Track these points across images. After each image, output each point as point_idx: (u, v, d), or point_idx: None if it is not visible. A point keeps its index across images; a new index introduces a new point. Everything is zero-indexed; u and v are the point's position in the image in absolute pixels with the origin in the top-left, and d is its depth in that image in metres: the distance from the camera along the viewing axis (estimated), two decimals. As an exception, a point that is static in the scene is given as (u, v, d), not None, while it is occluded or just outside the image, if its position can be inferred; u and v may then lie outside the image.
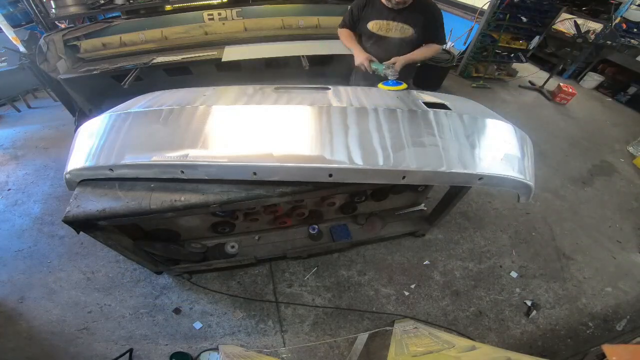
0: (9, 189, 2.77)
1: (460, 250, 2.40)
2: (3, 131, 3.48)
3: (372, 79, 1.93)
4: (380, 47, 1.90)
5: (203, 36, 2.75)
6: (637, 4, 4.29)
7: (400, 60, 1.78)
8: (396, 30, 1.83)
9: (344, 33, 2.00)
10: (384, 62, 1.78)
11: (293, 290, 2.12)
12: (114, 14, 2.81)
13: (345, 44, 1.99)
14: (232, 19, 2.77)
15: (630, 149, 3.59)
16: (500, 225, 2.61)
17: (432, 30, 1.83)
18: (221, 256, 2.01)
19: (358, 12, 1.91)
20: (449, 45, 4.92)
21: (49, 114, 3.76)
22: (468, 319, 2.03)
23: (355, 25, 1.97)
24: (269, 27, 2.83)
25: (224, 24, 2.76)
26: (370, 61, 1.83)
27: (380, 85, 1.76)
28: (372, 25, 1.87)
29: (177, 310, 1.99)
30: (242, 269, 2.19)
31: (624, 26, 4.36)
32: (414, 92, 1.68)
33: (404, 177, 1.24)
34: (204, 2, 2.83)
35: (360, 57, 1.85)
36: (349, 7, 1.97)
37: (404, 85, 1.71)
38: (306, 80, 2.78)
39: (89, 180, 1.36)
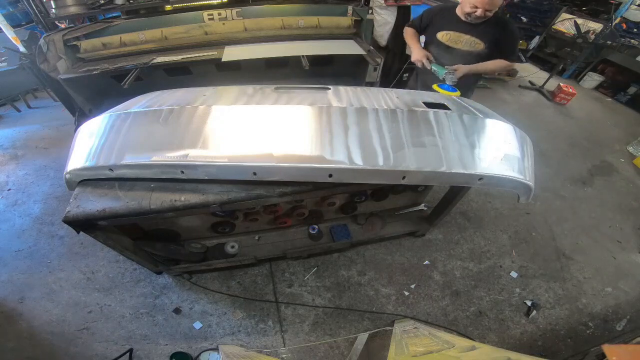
0: (9, 189, 2.77)
1: (460, 250, 2.40)
2: (3, 131, 3.48)
3: (428, 79, 1.95)
4: (446, 58, 1.90)
5: (203, 36, 2.74)
6: (637, 4, 4.29)
7: (463, 69, 1.78)
8: (466, 43, 1.83)
9: (408, 31, 2.03)
10: (446, 66, 1.80)
11: (293, 290, 2.12)
12: (114, 14, 2.80)
13: (406, 40, 2.03)
14: (232, 19, 2.76)
15: (630, 149, 3.59)
16: (500, 225, 2.61)
17: (504, 48, 1.81)
18: (221, 256, 2.01)
19: (429, 19, 1.93)
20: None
21: (49, 114, 3.76)
22: (468, 319, 2.03)
23: (423, 30, 2.00)
24: (269, 27, 2.82)
25: (224, 24, 2.75)
26: (429, 60, 1.86)
27: (434, 86, 1.78)
28: (442, 35, 1.88)
29: (177, 310, 1.99)
30: (242, 269, 2.19)
31: (624, 26, 4.37)
32: (414, 92, 1.68)
33: (404, 177, 1.24)
34: (204, 2, 2.83)
35: (418, 54, 1.88)
36: (420, 14, 2.00)
37: (458, 93, 1.71)
38: (306, 80, 2.78)
39: (89, 180, 1.36)
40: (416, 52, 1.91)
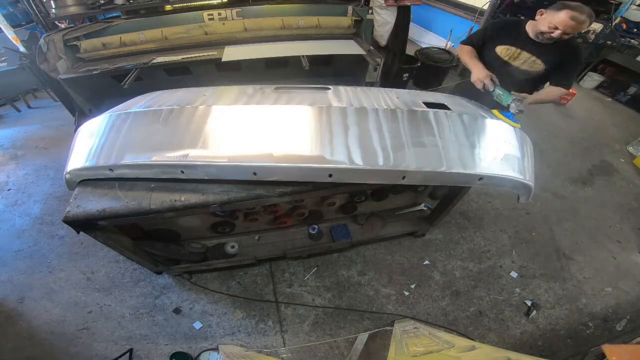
0: (9, 189, 2.77)
1: (460, 250, 2.40)
2: (3, 131, 3.48)
3: (483, 99, 1.78)
4: (498, 74, 1.73)
5: (203, 36, 2.74)
6: (637, 4, 4.28)
7: (531, 99, 1.61)
8: (525, 61, 1.71)
9: (465, 49, 1.87)
10: (512, 92, 1.60)
11: (293, 290, 2.12)
12: (114, 14, 2.81)
13: (463, 59, 1.86)
14: (232, 19, 2.76)
15: (630, 149, 3.59)
16: (500, 225, 2.61)
17: (564, 73, 1.68)
18: (221, 256, 2.01)
19: (495, 31, 1.79)
20: (448, 45, 4.91)
21: (49, 114, 3.76)
22: (468, 319, 2.03)
23: (484, 44, 1.84)
24: (269, 27, 2.83)
25: (224, 24, 2.75)
26: (493, 82, 1.67)
27: (494, 111, 1.62)
28: (501, 50, 1.76)
29: (177, 310, 1.99)
30: (242, 269, 2.19)
31: (624, 26, 4.36)
32: (414, 92, 1.68)
33: (404, 177, 1.24)
34: (204, 2, 2.83)
35: (481, 73, 1.69)
36: (482, 26, 1.85)
37: (518, 126, 1.52)
38: (306, 80, 2.78)
39: (89, 180, 1.36)
40: (478, 71, 1.71)
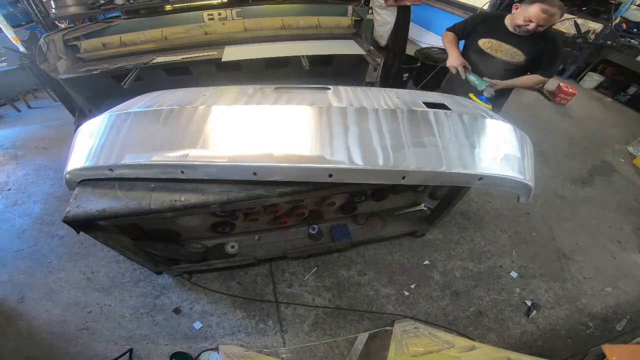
0: (9, 189, 2.77)
1: (460, 250, 2.40)
2: (3, 131, 3.48)
3: (458, 86, 1.94)
4: (482, 66, 1.90)
5: (203, 36, 2.74)
6: (637, 4, 4.28)
7: (501, 84, 1.78)
8: (506, 53, 1.81)
9: (448, 35, 1.99)
10: (484, 78, 1.79)
11: (293, 290, 2.12)
12: (114, 14, 2.81)
13: (444, 45, 1.99)
14: (232, 19, 2.76)
15: (630, 149, 3.59)
16: (500, 225, 2.61)
17: (543, 62, 1.78)
18: (221, 256, 2.01)
19: (473, 26, 1.90)
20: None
21: (49, 114, 3.76)
22: (468, 319, 2.03)
23: (464, 36, 1.98)
24: (269, 27, 2.83)
25: (224, 24, 2.75)
26: (465, 68, 1.85)
27: (471, 94, 1.82)
28: (484, 43, 1.86)
29: (177, 310, 1.99)
30: (242, 269, 2.19)
31: (624, 26, 4.36)
32: (414, 92, 1.68)
33: (404, 177, 1.24)
34: (204, 2, 2.83)
35: (455, 61, 1.86)
36: (465, 18, 1.99)
37: (490, 107, 1.71)
38: (306, 80, 2.78)
39: (89, 180, 1.36)
40: (453, 58, 1.89)
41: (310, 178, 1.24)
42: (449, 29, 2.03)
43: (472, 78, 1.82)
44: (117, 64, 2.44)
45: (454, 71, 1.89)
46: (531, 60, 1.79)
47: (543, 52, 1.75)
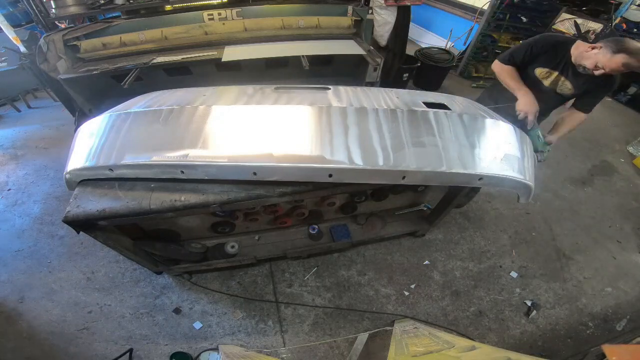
0: (9, 189, 2.77)
1: (460, 250, 2.40)
2: (3, 131, 3.48)
3: (510, 116, 1.66)
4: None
5: (203, 36, 2.75)
6: (637, 4, 4.28)
7: (555, 142, 1.65)
8: (555, 82, 1.63)
9: (506, 70, 1.68)
10: (546, 138, 1.62)
11: (293, 290, 2.12)
12: (114, 14, 2.81)
13: (506, 82, 1.68)
14: (232, 19, 2.77)
15: (630, 149, 3.59)
16: (500, 225, 2.61)
17: (589, 99, 1.63)
18: (221, 256, 2.01)
19: (537, 55, 1.62)
20: (448, 45, 4.92)
21: (49, 114, 3.76)
22: (468, 319, 2.03)
23: (524, 64, 1.67)
24: (269, 27, 2.83)
25: (224, 24, 2.75)
26: (535, 120, 1.60)
27: None
28: (540, 72, 1.65)
29: (177, 310, 1.99)
30: (242, 269, 2.19)
31: (624, 26, 4.35)
32: (414, 92, 1.68)
33: (404, 177, 1.24)
34: (204, 2, 2.83)
35: (531, 106, 1.56)
36: (525, 42, 1.65)
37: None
38: (306, 80, 2.78)
39: (89, 180, 1.36)
40: (528, 102, 1.57)
41: (310, 178, 1.25)
42: (504, 60, 1.70)
43: (537, 134, 1.57)
44: (117, 64, 2.44)
45: (521, 116, 1.59)
46: (578, 95, 1.63)
47: (592, 90, 1.58)
